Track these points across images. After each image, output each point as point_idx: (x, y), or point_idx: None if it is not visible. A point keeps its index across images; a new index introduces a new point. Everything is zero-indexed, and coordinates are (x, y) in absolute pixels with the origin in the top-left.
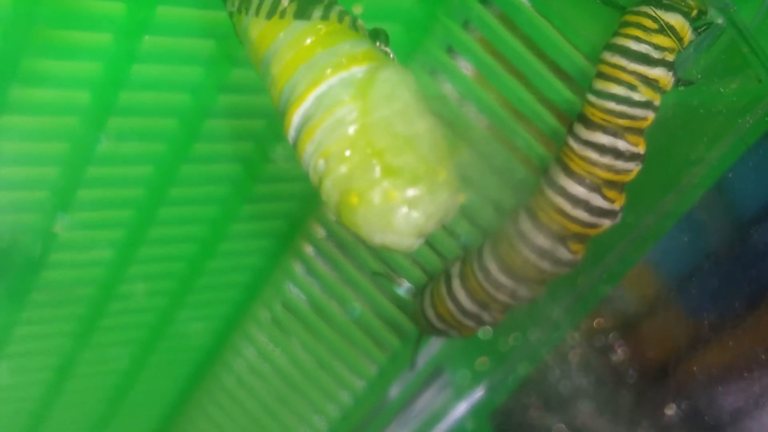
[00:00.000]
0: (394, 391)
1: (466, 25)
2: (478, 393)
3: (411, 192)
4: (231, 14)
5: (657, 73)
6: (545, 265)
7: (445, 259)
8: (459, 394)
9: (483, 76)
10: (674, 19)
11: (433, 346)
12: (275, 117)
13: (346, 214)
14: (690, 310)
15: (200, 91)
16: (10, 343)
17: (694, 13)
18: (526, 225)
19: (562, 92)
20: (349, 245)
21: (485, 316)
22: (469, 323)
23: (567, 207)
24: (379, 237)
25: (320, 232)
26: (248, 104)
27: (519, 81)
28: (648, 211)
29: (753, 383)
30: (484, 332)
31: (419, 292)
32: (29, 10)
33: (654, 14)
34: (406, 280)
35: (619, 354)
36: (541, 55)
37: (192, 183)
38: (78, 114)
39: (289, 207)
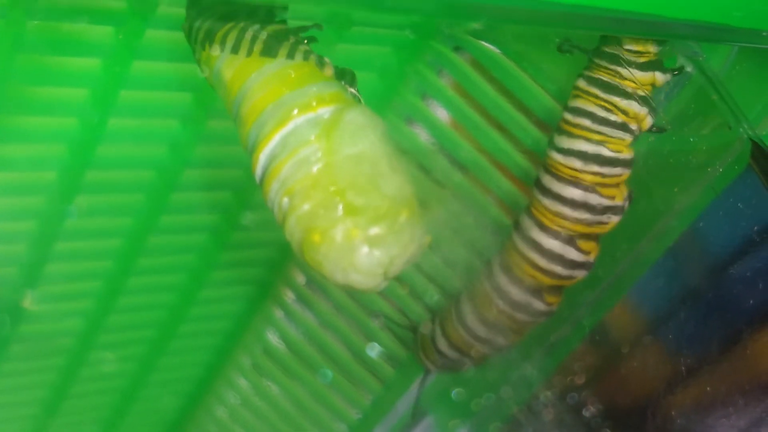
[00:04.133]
0: None
1: (440, 72)
2: None
3: (373, 231)
4: (196, 54)
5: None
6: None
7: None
8: None
9: (458, 122)
10: (631, 107)
11: (416, 387)
12: (250, 168)
13: (308, 252)
14: (667, 353)
15: (177, 142)
16: None
17: (646, 89)
18: (501, 280)
19: (536, 137)
20: (329, 290)
21: (500, 340)
22: (483, 349)
23: (541, 261)
24: (341, 276)
25: (300, 278)
26: (225, 154)
27: (493, 126)
28: (621, 259)
29: (730, 426)
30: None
31: (425, 324)
32: (4, 68)
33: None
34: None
35: (592, 410)
36: (514, 100)
37: (171, 232)
38: (55, 168)
39: (268, 254)
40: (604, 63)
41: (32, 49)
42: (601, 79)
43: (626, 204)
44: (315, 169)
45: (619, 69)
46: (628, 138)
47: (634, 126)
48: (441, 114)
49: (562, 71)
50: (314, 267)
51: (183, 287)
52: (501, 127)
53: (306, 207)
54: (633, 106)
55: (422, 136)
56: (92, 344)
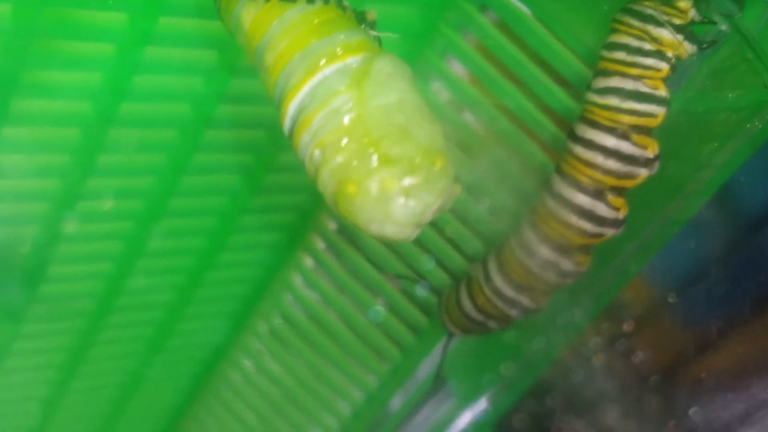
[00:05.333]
0: (396, 402)
1: (464, 33)
2: (482, 404)
3: (408, 181)
4: (218, 2)
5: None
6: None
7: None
8: (462, 405)
9: (482, 84)
10: (659, 33)
11: (436, 354)
12: (275, 127)
13: (342, 203)
14: (696, 316)
15: (201, 101)
16: (8, 358)
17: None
18: (529, 239)
19: (563, 99)
20: (348, 255)
21: (526, 301)
22: (510, 311)
23: (571, 218)
24: (376, 227)
25: (320, 243)
26: (248, 114)
27: (519, 88)
28: (653, 218)
29: (761, 389)
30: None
31: (449, 289)
32: (30, 22)
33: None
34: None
35: (639, 356)
36: (540, 62)
37: (191, 194)
38: (79, 125)
39: (288, 218)
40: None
41: (59, 3)
42: (634, 9)
43: (656, 160)
44: (347, 119)
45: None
46: (665, 66)
47: (670, 53)
48: (464, 76)
49: (592, 33)
50: (348, 218)
51: (202, 251)
52: (527, 90)
53: (339, 159)
54: (665, 34)
55: (445, 96)
56: (111, 307)
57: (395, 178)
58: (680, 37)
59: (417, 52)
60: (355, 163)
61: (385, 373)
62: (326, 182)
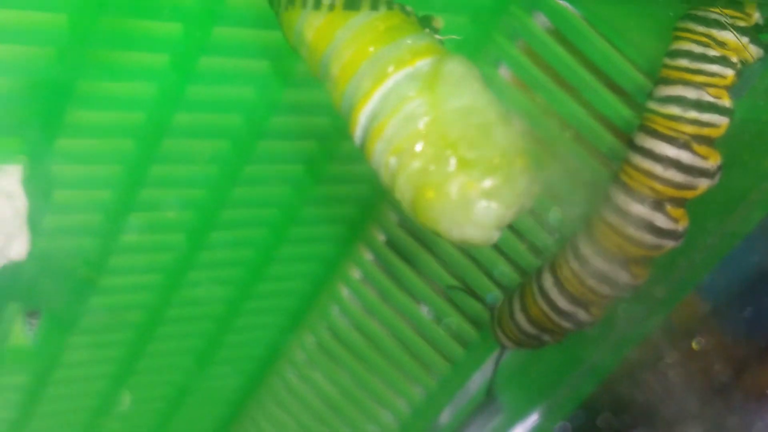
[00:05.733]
0: (445, 416)
1: (517, 41)
2: (533, 418)
3: (489, 182)
4: (279, 17)
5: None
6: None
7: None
8: (513, 419)
9: (535, 93)
10: (725, 36)
11: (487, 368)
12: (327, 138)
13: (422, 210)
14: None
15: (253, 111)
16: (58, 369)
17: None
18: (586, 251)
19: (619, 109)
20: (396, 267)
21: (582, 314)
22: (565, 324)
23: (629, 229)
24: (458, 231)
25: (368, 254)
26: (300, 124)
27: (573, 97)
28: (713, 229)
29: None
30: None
31: (502, 301)
32: (86, 32)
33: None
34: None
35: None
36: (596, 70)
37: (242, 205)
38: (132, 135)
39: (337, 229)
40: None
41: (115, 12)
42: (697, 14)
43: (718, 171)
44: (422, 124)
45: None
46: (730, 73)
47: (735, 59)
48: (516, 83)
49: (652, 41)
50: (428, 225)
51: (252, 262)
52: (584, 100)
53: (416, 164)
54: (730, 37)
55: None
56: (161, 319)
57: (475, 180)
58: (745, 39)
59: (486, 37)
60: (432, 167)
61: (433, 387)
62: (404, 189)
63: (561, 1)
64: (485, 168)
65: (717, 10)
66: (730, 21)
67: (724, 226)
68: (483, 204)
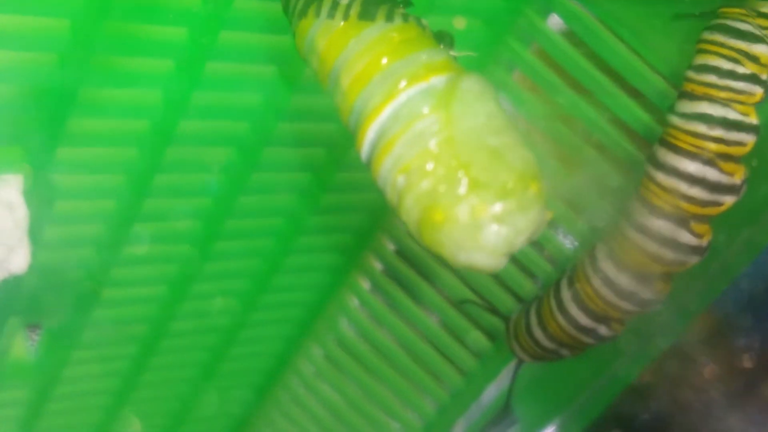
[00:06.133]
0: (458, 430)
1: (532, 45)
2: (549, 431)
3: (500, 207)
4: (293, 24)
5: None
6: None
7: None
8: None
9: (551, 98)
10: (759, 50)
11: (501, 380)
12: (334, 146)
13: (428, 232)
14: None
15: (260, 118)
16: (60, 385)
17: None
18: (607, 267)
19: (639, 115)
20: (406, 276)
21: (602, 330)
22: (585, 339)
23: (652, 246)
24: (465, 256)
25: (377, 264)
26: (308, 132)
27: (591, 102)
28: (735, 239)
29: None
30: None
31: (520, 312)
32: (89, 37)
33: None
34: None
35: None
36: (614, 74)
37: (248, 214)
38: (136, 144)
39: (346, 238)
40: (729, 8)
41: (118, 17)
42: (728, 25)
43: (743, 185)
44: (433, 143)
45: (753, 7)
46: (759, 91)
47: (764, 76)
48: (531, 88)
49: (671, 43)
50: (434, 248)
51: (258, 273)
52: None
53: (425, 184)
54: (763, 50)
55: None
56: (165, 332)
57: (486, 203)
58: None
59: (482, 66)
60: (442, 188)
61: (446, 399)
62: (410, 210)
63: (576, 3)
64: (498, 191)
65: (748, 19)
66: (764, 32)
67: (748, 234)
68: (493, 228)
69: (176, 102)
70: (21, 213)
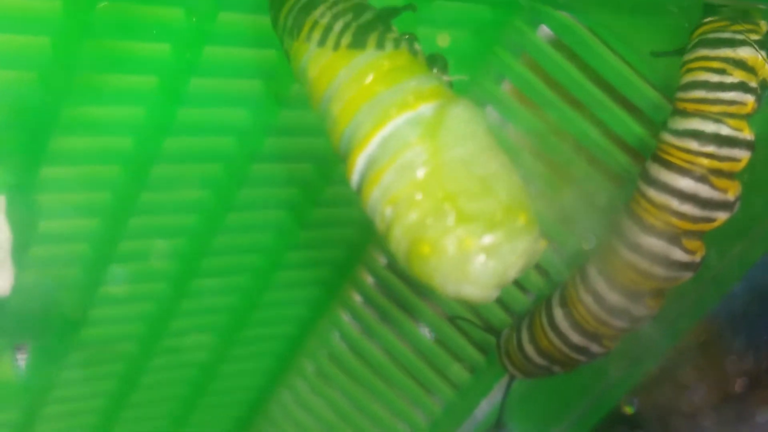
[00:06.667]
0: None
1: (521, 55)
2: None
3: (488, 239)
4: (284, 42)
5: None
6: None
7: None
8: None
9: (541, 109)
10: (743, 54)
11: (494, 394)
12: (322, 160)
13: (417, 264)
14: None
15: (246, 133)
16: (48, 405)
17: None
18: (598, 284)
19: (631, 126)
20: (398, 292)
21: (594, 347)
22: (577, 357)
23: (644, 263)
24: (453, 288)
25: (369, 278)
26: (295, 147)
27: (582, 113)
28: (725, 254)
29: None
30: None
31: (511, 329)
32: (71, 55)
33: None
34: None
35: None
36: (604, 84)
37: (236, 231)
38: (121, 162)
39: (336, 253)
40: (709, 21)
41: (100, 34)
42: (707, 38)
43: (737, 201)
44: (420, 174)
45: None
46: (750, 99)
47: (754, 84)
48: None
49: (663, 59)
50: (423, 279)
51: (247, 289)
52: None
53: (413, 216)
54: (748, 52)
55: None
56: (153, 350)
57: (474, 236)
58: (763, 53)
59: (472, 77)
60: (430, 220)
61: (439, 413)
62: (399, 241)
63: (566, 14)
64: (485, 223)
65: (726, 27)
66: (743, 37)
67: (739, 248)
68: (481, 261)
69: (160, 119)
70: (3, 235)
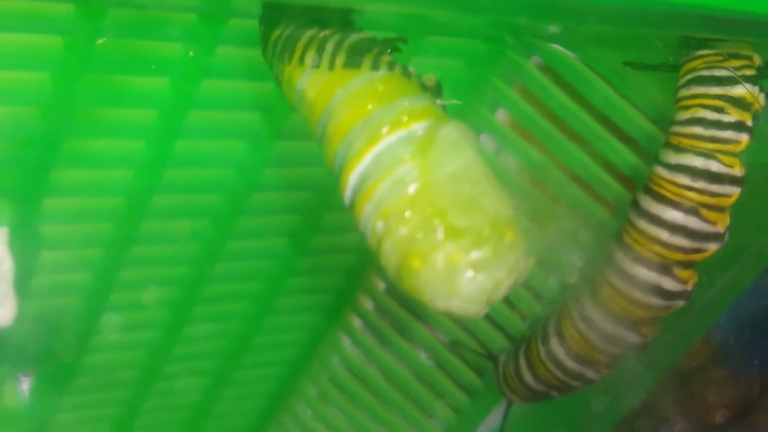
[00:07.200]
0: None
1: (515, 84)
2: None
3: (477, 254)
4: (277, 76)
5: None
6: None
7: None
8: None
9: (535, 138)
10: (740, 92)
11: (493, 418)
12: (321, 188)
13: (406, 278)
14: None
15: (245, 164)
16: (53, 431)
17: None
18: (592, 314)
19: (625, 156)
20: (398, 317)
21: (590, 374)
22: (573, 383)
23: (636, 293)
24: (442, 303)
25: (368, 303)
26: (294, 176)
27: (576, 143)
28: (717, 280)
29: None
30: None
31: (508, 356)
32: (70, 90)
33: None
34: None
35: None
36: (598, 115)
37: (237, 258)
38: (121, 193)
39: (336, 279)
40: (701, 54)
41: (99, 69)
42: (704, 75)
43: (726, 233)
44: (411, 189)
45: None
46: (745, 138)
47: (749, 123)
48: (514, 128)
49: (654, 86)
50: (412, 294)
51: (249, 315)
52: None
53: (403, 230)
54: (745, 90)
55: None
56: (156, 376)
57: (462, 251)
58: (757, 88)
59: (466, 105)
60: (419, 235)
61: None
62: (389, 256)
63: (558, 47)
64: (473, 239)
65: (722, 63)
66: (739, 73)
67: (730, 274)
68: (469, 276)
69: (160, 151)
70: (6, 266)
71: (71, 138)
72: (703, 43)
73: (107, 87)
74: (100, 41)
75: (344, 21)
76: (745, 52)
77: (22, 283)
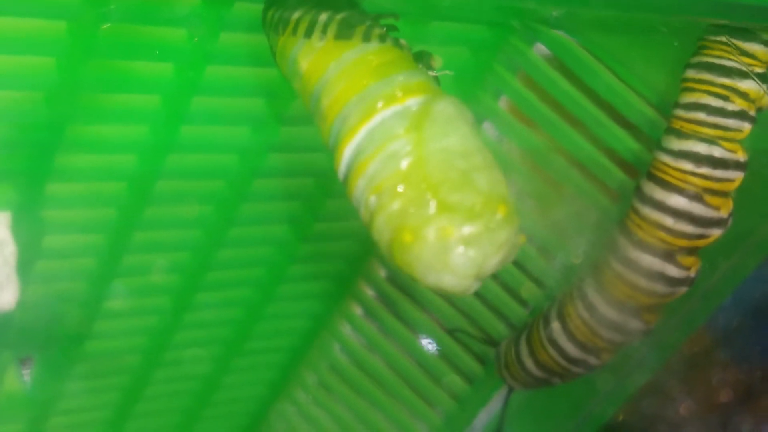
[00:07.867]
0: None
1: (518, 72)
2: None
3: (468, 229)
4: (273, 46)
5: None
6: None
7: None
8: None
9: (538, 126)
10: (747, 86)
11: (493, 405)
12: (323, 175)
13: (398, 252)
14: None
15: (248, 150)
16: (53, 417)
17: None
18: (596, 299)
19: (627, 141)
20: (399, 304)
21: (592, 360)
22: (574, 369)
23: (640, 280)
24: (433, 277)
25: (369, 291)
26: (297, 162)
27: (578, 130)
28: (719, 266)
29: None
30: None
31: (509, 341)
32: (75, 75)
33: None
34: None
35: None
36: (600, 102)
37: (239, 245)
38: (125, 178)
39: (337, 266)
40: (715, 41)
41: (104, 54)
42: (713, 63)
43: (730, 217)
44: (405, 164)
45: (735, 44)
46: (747, 127)
47: (752, 112)
48: (517, 115)
49: (658, 72)
50: (404, 268)
51: (250, 302)
52: (588, 132)
53: (396, 205)
54: (753, 86)
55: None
56: (157, 362)
57: (454, 225)
58: (765, 87)
59: (469, 93)
60: (412, 210)
61: (439, 424)
62: (381, 230)
63: (562, 33)
64: (465, 214)
65: (732, 56)
66: (749, 68)
67: (733, 260)
68: (460, 250)
69: (163, 137)
70: (9, 250)
71: (75, 123)
72: (733, 33)
73: (112, 72)
74: (104, 26)
75: (349, 3)
76: (760, 53)
77: (25, 268)
